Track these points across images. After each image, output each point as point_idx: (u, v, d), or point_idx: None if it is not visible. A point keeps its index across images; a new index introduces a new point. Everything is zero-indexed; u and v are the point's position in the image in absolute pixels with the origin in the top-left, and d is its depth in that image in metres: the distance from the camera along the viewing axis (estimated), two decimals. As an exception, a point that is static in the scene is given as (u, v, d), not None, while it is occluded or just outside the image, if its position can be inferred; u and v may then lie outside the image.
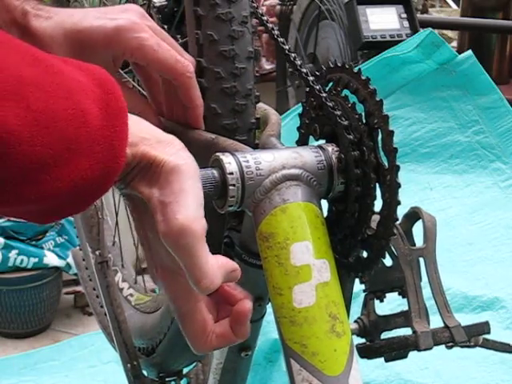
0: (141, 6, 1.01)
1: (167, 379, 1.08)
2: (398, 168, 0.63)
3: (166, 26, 0.95)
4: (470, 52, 1.98)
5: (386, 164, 0.64)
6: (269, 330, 1.34)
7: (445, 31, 2.81)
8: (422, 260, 0.82)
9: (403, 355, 0.80)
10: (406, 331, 0.79)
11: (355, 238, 0.67)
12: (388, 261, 0.80)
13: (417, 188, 1.92)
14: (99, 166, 0.52)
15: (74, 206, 0.54)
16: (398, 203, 0.63)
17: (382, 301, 0.80)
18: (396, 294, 0.80)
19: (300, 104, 0.74)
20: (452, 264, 1.73)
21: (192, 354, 1.03)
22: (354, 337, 0.79)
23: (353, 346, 0.65)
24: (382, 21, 2.27)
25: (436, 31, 1.91)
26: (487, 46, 2.72)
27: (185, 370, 1.12)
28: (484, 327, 0.82)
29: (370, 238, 0.66)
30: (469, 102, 2.02)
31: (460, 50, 2.20)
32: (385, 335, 0.80)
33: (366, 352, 0.78)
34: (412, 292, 0.79)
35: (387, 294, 0.80)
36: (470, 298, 1.64)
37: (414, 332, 0.78)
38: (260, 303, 0.80)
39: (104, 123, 0.53)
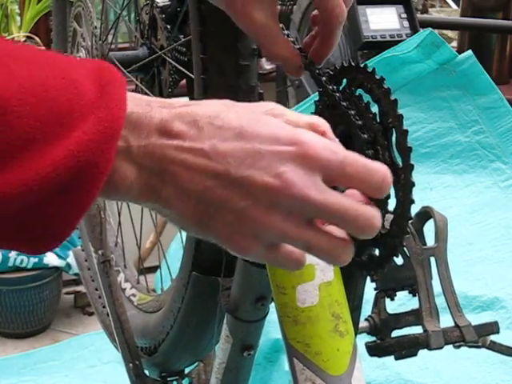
0: (144, 5, 1.02)
1: (169, 379, 1.08)
2: (412, 167, 0.63)
3: (168, 26, 0.95)
4: (469, 52, 1.98)
5: (400, 163, 0.64)
6: (269, 329, 1.34)
7: (445, 31, 2.81)
8: (432, 259, 0.82)
9: (413, 353, 0.80)
10: (415, 329, 0.80)
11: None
12: (399, 259, 0.81)
13: (417, 188, 1.91)
14: (94, 145, 0.47)
15: (67, 207, 0.48)
16: (412, 202, 0.64)
17: (392, 299, 0.80)
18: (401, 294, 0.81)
19: (300, 104, 0.74)
20: (452, 264, 1.72)
21: (194, 354, 1.04)
22: (363, 335, 0.79)
23: (356, 346, 0.65)
24: (381, 21, 2.27)
25: (436, 31, 1.91)
26: (487, 46, 2.72)
27: (187, 370, 1.12)
28: (493, 327, 0.82)
29: (384, 237, 0.66)
30: (469, 102, 2.02)
31: (460, 50, 2.20)
32: (395, 333, 0.80)
33: (375, 350, 0.78)
34: (423, 291, 0.79)
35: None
36: (470, 298, 1.64)
37: (425, 331, 0.78)
38: (263, 302, 0.80)
39: (98, 96, 0.48)
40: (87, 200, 0.48)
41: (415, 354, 0.80)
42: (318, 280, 0.64)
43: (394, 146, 0.65)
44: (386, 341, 0.79)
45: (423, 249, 0.80)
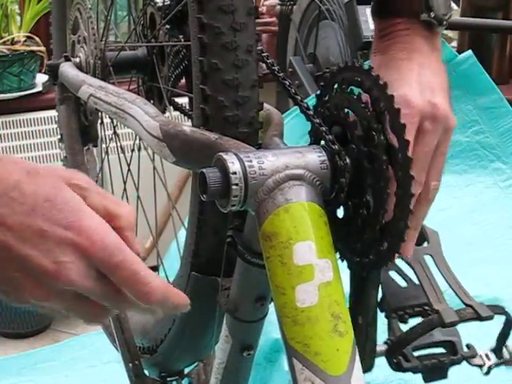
0: (143, 5, 1.02)
1: (169, 379, 1.08)
2: (407, 143, 0.63)
3: (168, 27, 0.95)
4: (470, 52, 1.98)
5: (396, 144, 0.65)
6: (269, 329, 1.33)
7: (445, 31, 2.80)
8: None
9: (443, 375, 0.81)
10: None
11: (374, 229, 0.67)
12: (402, 282, 0.82)
13: (417, 188, 1.92)
14: None
15: None
16: (412, 178, 0.64)
17: (405, 322, 0.81)
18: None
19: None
20: (452, 264, 1.73)
21: (194, 354, 1.04)
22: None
23: (355, 346, 0.65)
24: (382, 21, 2.27)
25: (436, 31, 1.91)
26: (487, 46, 2.71)
27: (186, 370, 1.12)
28: (503, 309, 0.84)
29: (389, 224, 0.66)
30: (469, 102, 2.02)
31: (460, 50, 2.19)
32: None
33: (394, 352, 0.79)
34: (426, 283, 0.80)
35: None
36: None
37: (437, 312, 0.79)
38: (262, 303, 0.80)
39: None
40: None
41: (445, 376, 0.81)
42: (318, 280, 0.64)
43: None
44: (400, 336, 0.80)
45: (417, 249, 0.82)
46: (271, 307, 0.66)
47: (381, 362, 1.51)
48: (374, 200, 0.67)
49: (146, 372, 1.10)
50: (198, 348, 0.99)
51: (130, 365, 1.07)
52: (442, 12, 0.75)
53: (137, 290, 0.57)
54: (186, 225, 0.89)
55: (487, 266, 1.75)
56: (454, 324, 0.80)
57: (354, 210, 0.68)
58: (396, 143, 0.65)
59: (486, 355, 0.90)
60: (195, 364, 1.12)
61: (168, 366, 1.07)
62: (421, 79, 0.72)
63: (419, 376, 1.47)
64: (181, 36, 0.94)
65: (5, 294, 0.56)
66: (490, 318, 0.82)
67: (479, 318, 0.81)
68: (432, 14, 0.74)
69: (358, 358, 0.65)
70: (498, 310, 0.83)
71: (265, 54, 0.77)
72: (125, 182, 1.12)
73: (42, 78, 2.56)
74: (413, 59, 0.73)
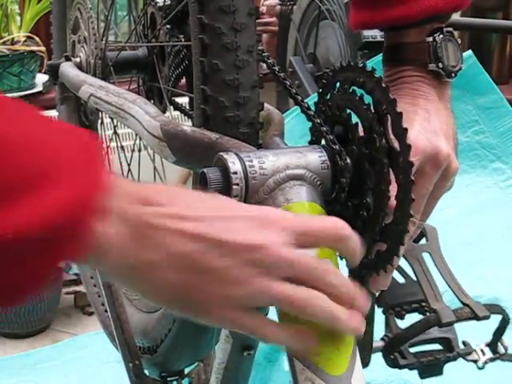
0: (143, 5, 1.02)
1: (169, 379, 1.08)
2: (409, 148, 0.63)
3: (169, 26, 0.95)
4: (470, 52, 1.98)
5: (398, 147, 0.65)
6: (269, 329, 1.33)
7: (444, 31, 2.80)
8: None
9: (438, 371, 0.81)
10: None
11: (373, 230, 0.67)
12: (400, 278, 0.82)
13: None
14: (69, 207, 0.48)
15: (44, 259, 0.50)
16: (412, 183, 0.64)
17: (402, 318, 0.81)
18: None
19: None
20: (452, 264, 1.73)
21: (194, 354, 1.04)
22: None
23: (355, 346, 0.65)
24: (382, 21, 2.26)
25: (436, 31, 1.91)
26: (487, 46, 2.72)
27: (186, 370, 1.12)
28: (500, 308, 0.84)
29: (389, 227, 0.66)
30: (469, 101, 2.02)
31: (460, 50, 2.19)
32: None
33: (391, 349, 0.79)
34: (424, 280, 0.80)
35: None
36: (470, 298, 1.64)
37: (434, 310, 0.79)
38: (263, 302, 0.79)
39: (78, 166, 0.50)
40: (62, 253, 0.51)
41: (441, 372, 0.81)
42: (318, 280, 0.64)
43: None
44: (398, 334, 0.81)
45: (416, 246, 0.82)
46: (271, 307, 0.66)
47: (381, 362, 1.51)
48: (374, 202, 0.67)
49: (147, 372, 1.10)
50: (198, 348, 0.99)
51: (131, 365, 1.07)
52: (452, 63, 0.74)
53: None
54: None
55: (487, 266, 1.75)
56: (450, 324, 0.80)
57: (353, 211, 0.68)
58: (397, 146, 0.65)
59: (482, 350, 0.90)
60: (195, 364, 1.12)
61: (168, 365, 1.07)
62: (424, 123, 0.72)
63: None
64: (181, 36, 0.94)
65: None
66: (486, 317, 0.82)
67: (476, 317, 0.81)
68: (440, 65, 0.74)
69: (358, 357, 0.64)
70: (495, 309, 0.83)
71: (265, 54, 0.77)
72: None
73: (42, 78, 2.56)
74: (418, 105, 0.73)
